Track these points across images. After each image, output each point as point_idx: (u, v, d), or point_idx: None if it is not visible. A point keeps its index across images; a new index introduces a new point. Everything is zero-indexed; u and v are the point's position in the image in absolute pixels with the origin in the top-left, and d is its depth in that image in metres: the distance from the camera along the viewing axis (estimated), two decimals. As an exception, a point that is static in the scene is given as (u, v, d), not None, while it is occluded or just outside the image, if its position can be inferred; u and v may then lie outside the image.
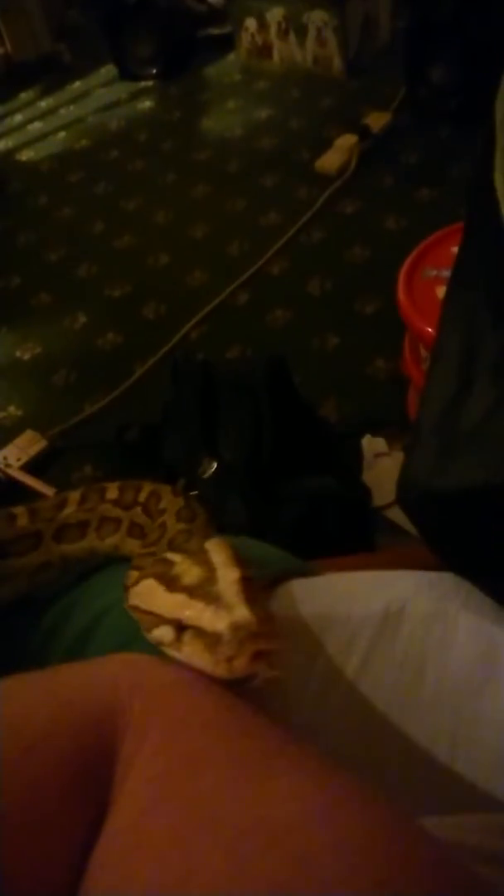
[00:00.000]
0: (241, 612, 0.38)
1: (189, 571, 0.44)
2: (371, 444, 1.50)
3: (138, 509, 0.63)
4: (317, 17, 2.73)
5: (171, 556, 0.47)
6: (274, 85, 2.95)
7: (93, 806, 0.32)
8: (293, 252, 2.22)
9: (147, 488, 0.65)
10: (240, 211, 2.45)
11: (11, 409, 1.94)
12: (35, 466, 1.74)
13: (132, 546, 0.62)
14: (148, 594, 0.44)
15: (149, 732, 0.33)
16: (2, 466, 1.70)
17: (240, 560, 0.44)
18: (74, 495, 0.65)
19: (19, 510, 0.64)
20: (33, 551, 0.65)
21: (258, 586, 0.43)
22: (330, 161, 2.41)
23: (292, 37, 2.85)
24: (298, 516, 1.26)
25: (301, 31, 2.81)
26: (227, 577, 0.42)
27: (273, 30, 2.87)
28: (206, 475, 1.23)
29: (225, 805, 0.29)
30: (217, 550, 0.46)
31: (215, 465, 1.24)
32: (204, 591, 0.41)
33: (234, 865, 0.26)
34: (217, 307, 2.08)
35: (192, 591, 0.41)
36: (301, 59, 2.89)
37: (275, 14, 2.82)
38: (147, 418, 1.70)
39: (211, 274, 2.22)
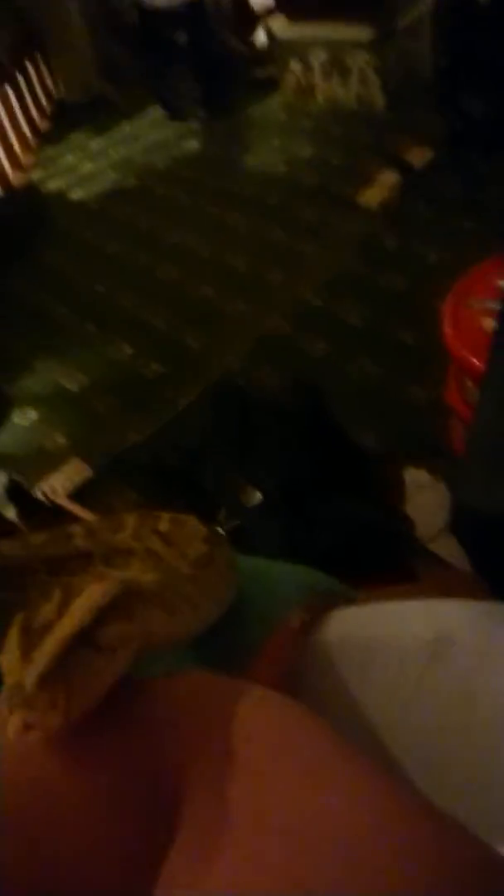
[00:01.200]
0: (26, 675, 0.35)
1: (45, 609, 0.40)
2: (413, 475, 1.50)
3: (175, 550, 0.59)
4: (359, 58, 2.79)
5: (57, 587, 0.44)
6: (317, 123, 3.01)
7: (156, 818, 0.33)
8: (333, 283, 2.24)
9: (189, 527, 0.63)
10: (280, 244, 2.49)
11: (57, 437, 1.98)
12: (80, 493, 1.77)
13: None
14: (10, 624, 0.40)
15: (216, 746, 0.34)
16: (48, 493, 1.73)
17: (105, 612, 0.40)
18: (132, 520, 0.64)
19: (77, 529, 0.64)
20: (83, 572, 0.66)
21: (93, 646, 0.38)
22: (372, 195, 2.45)
23: (335, 77, 2.92)
24: (338, 545, 1.26)
25: (344, 72, 2.88)
26: (62, 627, 0.38)
27: (317, 71, 2.95)
28: (248, 504, 1.24)
29: (293, 815, 0.30)
30: (89, 594, 0.41)
31: (258, 495, 1.25)
32: (30, 638, 0.38)
33: (301, 873, 0.27)
34: (258, 337, 2.11)
35: (25, 633, 0.38)
36: (344, 97, 2.95)
37: (319, 56, 2.90)
38: (189, 446, 1.72)
39: (252, 304, 2.26)
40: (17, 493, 1.75)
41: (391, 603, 0.63)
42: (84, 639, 0.38)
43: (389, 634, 0.55)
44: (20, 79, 3.32)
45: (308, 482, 1.26)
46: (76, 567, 0.67)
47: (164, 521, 0.65)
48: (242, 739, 0.34)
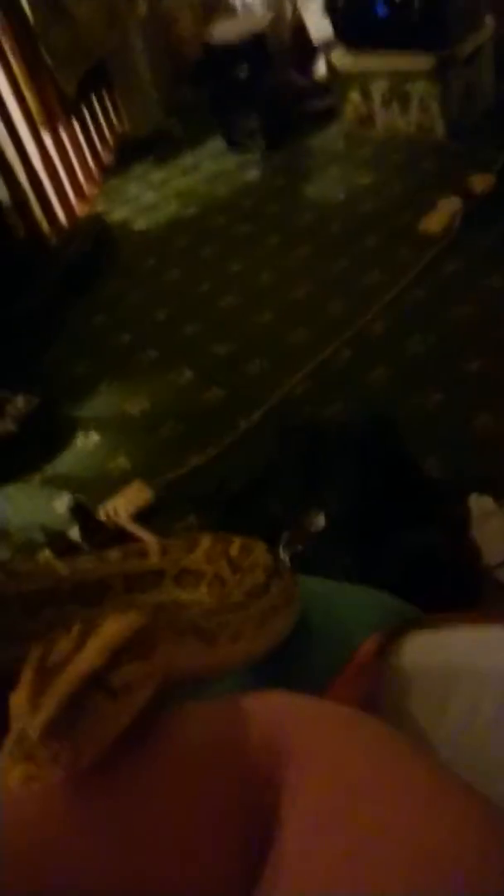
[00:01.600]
0: (32, 724, 0.33)
1: (62, 645, 0.39)
2: (479, 502, 1.47)
3: (238, 577, 0.59)
4: (419, 87, 2.81)
5: (78, 619, 0.42)
6: (377, 151, 3.03)
7: (254, 831, 0.33)
8: (395, 311, 2.24)
9: (255, 554, 0.60)
10: (341, 272, 2.50)
11: (120, 459, 2.02)
12: (142, 515, 1.80)
13: None
14: (28, 656, 0.39)
15: (311, 763, 0.34)
16: (111, 515, 1.76)
17: (119, 649, 0.38)
18: (206, 541, 0.64)
19: (153, 546, 0.65)
20: (154, 589, 0.66)
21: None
22: (433, 222, 2.44)
23: (395, 106, 2.94)
24: (403, 571, 1.25)
25: (404, 100, 2.90)
26: (73, 670, 0.36)
27: (377, 100, 2.97)
28: (314, 528, 1.24)
29: (393, 834, 0.30)
30: (105, 632, 0.40)
31: (323, 520, 1.25)
32: (42, 678, 0.36)
33: (414, 891, 0.27)
34: (320, 364, 2.12)
35: (39, 671, 0.37)
36: (404, 125, 2.97)
37: (378, 86, 2.93)
38: (250, 471, 1.73)
39: (313, 332, 2.27)
40: (81, 514, 1.79)
41: (465, 629, 0.62)
42: (96, 681, 0.36)
43: (466, 664, 0.55)
44: (86, 113, 3.43)
45: (374, 509, 1.26)
46: (149, 584, 0.68)
47: (235, 546, 0.65)
48: (345, 758, 0.34)
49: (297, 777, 0.34)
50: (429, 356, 2.05)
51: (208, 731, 0.37)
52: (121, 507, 1.79)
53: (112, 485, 1.90)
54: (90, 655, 0.37)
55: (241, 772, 0.35)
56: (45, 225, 2.94)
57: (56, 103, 3.12)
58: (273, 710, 0.39)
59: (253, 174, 3.21)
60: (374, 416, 1.46)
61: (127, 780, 0.36)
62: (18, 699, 0.36)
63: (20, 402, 2.15)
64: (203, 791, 0.34)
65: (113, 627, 0.40)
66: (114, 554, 0.66)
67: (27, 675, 0.37)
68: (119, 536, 1.71)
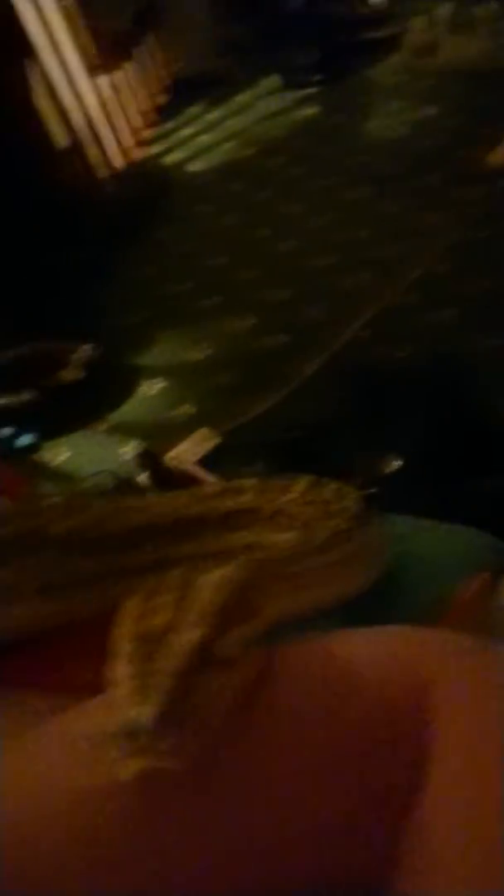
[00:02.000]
0: (142, 713, 0.29)
1: (163, 608, 0.34)
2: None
3: (326, 521, 0.57)
4: (487, 11, 2.66)
5: (180, 572, 0.37)
6: (440, 82, 2.90)
7: (407, 767, 0.33)
8: (461, 251, 2.17)
9: (346, 500, 0.58)
10: (402, 212, 2.43)
11: (186, 407, 2.03)
12: (208, 462, 1.82)
13: None
14: (122, 615, 0.34)
15: (458, 699, 0.34)
16: (178, 461, 1.79)
17: (225, 611, 0.34)
18: (301, 484, 0.64)
19: (250, 483, 0.64)
20: (245, 529, 0.65)
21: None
22: (501, 155, 2.34)
23: (460, 32, 2.80)
24: (477, 516, 1.24)
25: (470, 26, 2.75)
26: (179, 642, 0.31)
27: (441, 26, 2.83)
28: (386, 472, 1.24)
29: None
30: (205, 590, 0.35)
31: (396, 463, 1.25)
32: (146, 650, 0.31)
33: None
34: (384, 307, 2.08)
35: (141, 642, 0.32)
36: (469, 53, 2.83)
37: (443, 11, 2.78)
38: (316, 416, 1.73)
39: (375, 275, 2.22)
40: (149, 461, 1.82)
41: None
42: (207, 653, 0.32)
43: None
44: (140, 54, 3.36)
45: (446, 453, 1.25)
46: (244, 522, 0.68)
47: (329, 491, 0.65)
48: (487, 696, 0.34)
49: (446, 708, 0.34)
50: (496, 296, 1.99)
51: (341, 660, 0.37)
52: (188, 453, 1.81)
53: (177, 431, 1.92)
54: (196, 621, 0.33)
55: (384, 702, 0.35)
56: (101, 170, 2.92)
57: (111, 45, 3.06)
58: (407, 640, 0.39)
59: (310, 111, 3.12)
60: (444, 357, 1.44)
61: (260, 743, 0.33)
62: (120, 676, 0.31)
63: (85, 350, 2.17)
64: (343, 730, 0.34)
65: (214, 586, 0.36)
66: (211, 489, 0.67)
67: (125, 647, 0.32)
68: (188, 483, 1.73)
